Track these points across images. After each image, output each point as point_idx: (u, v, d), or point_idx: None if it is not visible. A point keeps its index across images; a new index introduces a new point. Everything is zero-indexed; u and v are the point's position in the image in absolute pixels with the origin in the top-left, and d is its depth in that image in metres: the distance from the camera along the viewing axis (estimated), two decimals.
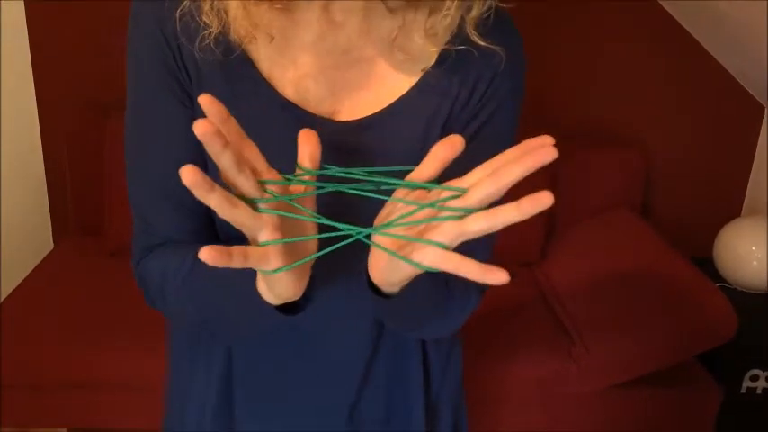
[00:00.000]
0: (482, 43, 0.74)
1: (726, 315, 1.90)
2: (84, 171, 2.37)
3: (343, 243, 0.58)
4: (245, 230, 0.56)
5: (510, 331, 2.00)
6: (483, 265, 0.55)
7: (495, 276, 0.55)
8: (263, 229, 0.56)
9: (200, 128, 0.50)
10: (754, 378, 2.23)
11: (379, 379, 0.92)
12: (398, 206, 0.61)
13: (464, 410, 1.06)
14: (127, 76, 0.78)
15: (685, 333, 1.90)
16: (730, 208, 2.67)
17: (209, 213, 0.80)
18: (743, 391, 2.25)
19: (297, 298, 0.64)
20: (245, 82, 0.75)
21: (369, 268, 0.68)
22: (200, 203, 0.80)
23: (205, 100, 0.53)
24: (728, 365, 2.21)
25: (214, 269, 0.65)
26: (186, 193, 0.72)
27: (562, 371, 1.90)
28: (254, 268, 0.58)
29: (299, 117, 0.76)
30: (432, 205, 0.57)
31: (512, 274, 0.55)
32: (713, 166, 2.66)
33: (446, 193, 0.56)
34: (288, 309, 0.68)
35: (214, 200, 0.52)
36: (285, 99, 0.76)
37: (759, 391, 2.25)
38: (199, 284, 0.75)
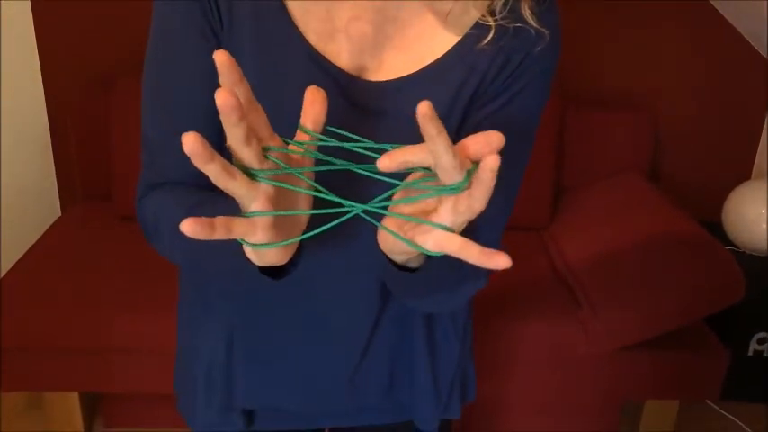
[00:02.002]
0: (533, 24, 0.73)
1: (734, 277, 1.89)
2: (89, 137, 2.36)
3: (341, 219, 0.58)
4: (238, 200, 0.56)
5: (518, 295, 2.00)
6: (484, 249, 0.55)
7: (497, 261, 0.54)
8: (256, 199, 0.55)
9: (221, 98, 0.50)
10: (762, 341, 2.24)
11: (383, 347, 0.92)
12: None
13: (472, 375, 1.07)
14: (154, 8, 0.76)
15: (693, 295, 1.90)
16: (740, 171, 2.65)
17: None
18: (750, 353, 2.26)
19: (281, 264, 0.64)
20: (277, 30, 0.74)
21: (378, 240, 0.67)
22: (214, 147, 0.80)
23: (221, 58, 0.52)
24: (736, 329, 2.22)
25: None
26: (201, 135, 0.71)
27: (570, 334, 1.90)
28: (240, 240, 0.57)
29: (328, 71, 0.75)
30: (435, 192, 0.57)
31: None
32: (722, 129, 2.64)
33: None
34: (275, 270, 0.67)
35: (212, 170, 0.52)
36: (315, 51, 0.75)
37: (766, 354, 2.26)
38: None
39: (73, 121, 2.37)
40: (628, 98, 2.57)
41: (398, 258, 0.68)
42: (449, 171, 0.54)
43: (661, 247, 2.05)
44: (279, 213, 0.57)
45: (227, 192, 0.54)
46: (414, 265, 0.69)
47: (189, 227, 0.51)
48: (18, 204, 2.52)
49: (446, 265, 0.65)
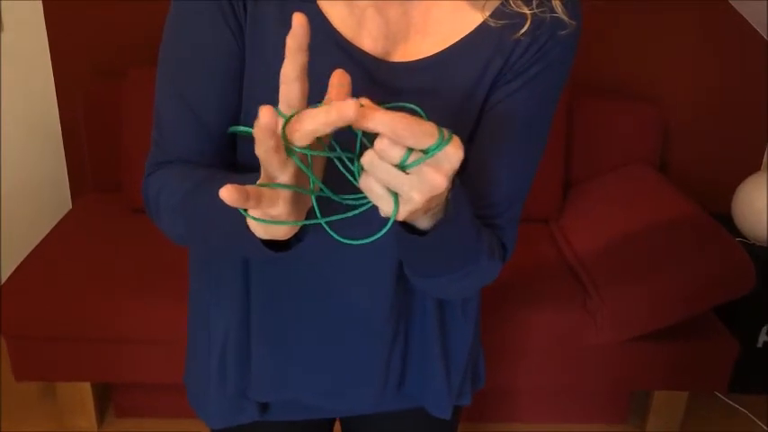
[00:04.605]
0: (562, 14, 0.75)
1: (744, 268, 1.89)
2: (100, 128, 2.37)
3: (355, 212, 0.59)
4: (270, 171, 0.56)
5: (527, 286, 2.01)
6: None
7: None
8: (285, 173, 0.57)
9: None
10: None
11: (399, 336, 0.92)
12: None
13: (482, 362, 1.08)
14: None
15: (703, 286, 1.90)
16: (749, 163, 2.64)
17: (228, 141, 0.81)
18: (759, 345, 2.26)
19: (287, 238, 0.64)
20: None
21: None
22: (224, 130, 0.78)
23: (299, 20, 0.54)
24: (745, 320, 2.21)
25: (213, 193, 0.65)
26: (213, 117, 0.69)
27: (578, 324, 1.91)
28: (243, 212, 0.58)
29: (353, 54, 0.76)
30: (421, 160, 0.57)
31: None
32: (732, 120, 2.63)
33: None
34: (278, 245, 0.68)
35: (270, 144, 0.53)
36: (340, 34, 0.76)
37: None
38: (195, 204, 0.75)
39: (83, 112, 2.37)
40: (637, 89, 2.57)
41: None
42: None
43: (670, 238, 2.05)
44: (287, 188, 0.58)
45: (264, 158, 0.55)
46: (423, 226, 0.68)
47: (228, 194, 0.52)
48: (29, 196, 2.53)
49: (454, 233, 0.66)
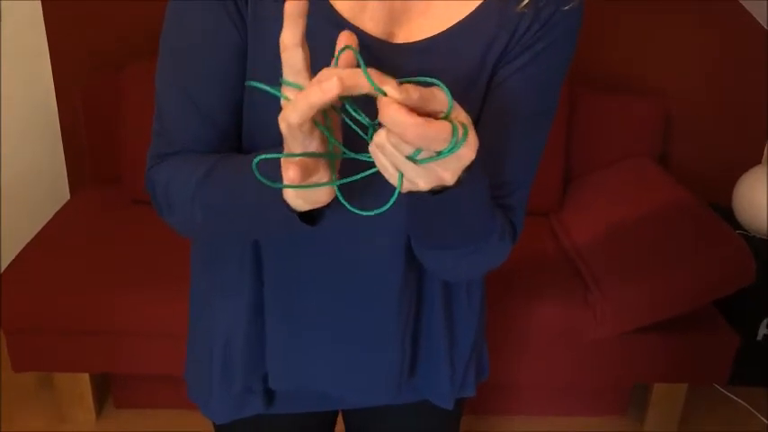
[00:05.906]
0: None
1: (744, 261, 1.89)
2: (99, 120, 2.36)
3: (374, 170, 0.59)
4: (299, 136, 0.57)
5: (528, 279, 2.00)
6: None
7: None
8: (314, 138, 0.58)
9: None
10: None
11: (407, 324, 0.92)
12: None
13: (486, 354, 1.08)
14: None
15: (703, 279, 1.90)
16: (750, 156, 2.64)
17: (231, 129, 0.81)
18: (759, 338, 2.26)
19: (327, 203, 0.65)
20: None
21: None
22: (227, 119, 0.79)
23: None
24: (745, 313, 2.22)
25: (236, 175, 0.64)
26: (216, 106, 0.68)
27: (579, 317, 1.91)
28: (273, 184, 0.59)
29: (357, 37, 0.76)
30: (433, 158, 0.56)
31: None
32: (733, 113, 2.62)
33: None
34: (303, 220, 0.68)
35: (335, 88, 0.52)
36: (341, 17, 0.75)
37: None
38: (215, 188, 0.75)
39: (82, 104, 2.37)
40: (638, 82, 2.56)
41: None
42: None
43: (671, 231, 2.05)
44: (307, 155, 0.58)
45: (296, 132, 0.56)
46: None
47: (294, 173, 0.56)
48: (27, 188, 2.53)
49: (466, 202, 0.67)
